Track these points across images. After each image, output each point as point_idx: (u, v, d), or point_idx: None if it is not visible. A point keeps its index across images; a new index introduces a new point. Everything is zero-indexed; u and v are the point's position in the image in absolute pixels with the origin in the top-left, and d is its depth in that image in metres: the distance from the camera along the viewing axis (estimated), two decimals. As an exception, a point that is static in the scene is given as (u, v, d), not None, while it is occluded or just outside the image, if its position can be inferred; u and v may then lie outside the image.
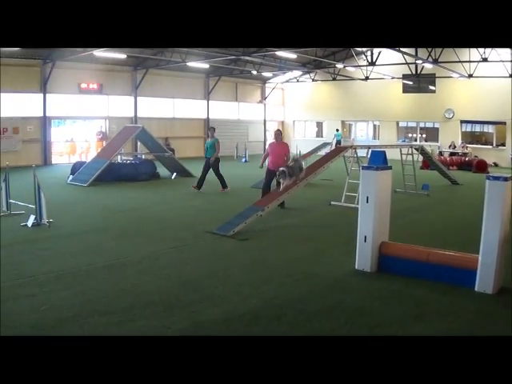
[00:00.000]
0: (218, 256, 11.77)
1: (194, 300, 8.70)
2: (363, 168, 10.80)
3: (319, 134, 54.37)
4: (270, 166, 18.13)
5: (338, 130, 49.06)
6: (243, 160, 41.48)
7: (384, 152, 10.52)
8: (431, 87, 45.58)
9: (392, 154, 18.91)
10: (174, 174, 28.32)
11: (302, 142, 47.60)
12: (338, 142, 45.17)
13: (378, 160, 10.38)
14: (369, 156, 17.98)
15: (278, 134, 19.06)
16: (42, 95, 37.01)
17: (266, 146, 19.53)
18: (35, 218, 14.73)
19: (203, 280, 9.87)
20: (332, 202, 19.06)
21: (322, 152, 29.20)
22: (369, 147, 20.34)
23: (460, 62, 37.17)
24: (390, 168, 10.94)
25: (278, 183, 16.54)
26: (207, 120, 47.95)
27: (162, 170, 28.84)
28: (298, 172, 15.70)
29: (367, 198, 10.37)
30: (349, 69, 44.12)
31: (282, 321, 7.86)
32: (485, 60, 35.18)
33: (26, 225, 14.66)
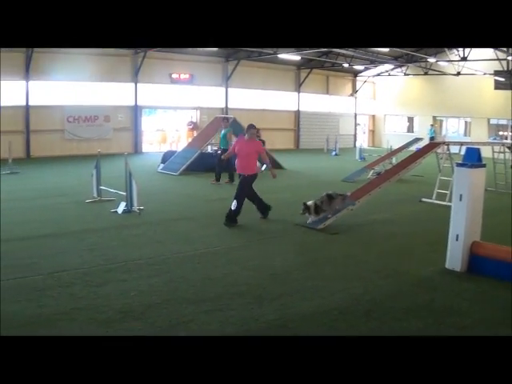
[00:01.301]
0: (308, 249, 11.69)
1: (283, 293, 8.64)
2: (457, 165, 10.54)
3: (410, 128, 53.64)
4: (237, 170, 14.85)
5: (432, 126, 48.15)
6: (333, 153, 41.18)
7: (478, 149, 10.27)
8: (523, 84, 44.40)
9: (482, 152, 18.39)
10: (264, 165, 28.22)
11: (392, 136, 47.17)
12: (431, 139, 44.51)
13: (473, 157, 10.12)
14: (462, 153, 17.55)
15: (251, 131, 15.06)
16: (133, 84, 37.60)
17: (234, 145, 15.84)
18: (126, 205, 14.98)
19: (292, 273, 9.81)
20: (423, 199, 18.75)
21: (413, 147, 28.85)
22: (461, 144, 19.97)
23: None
24: (484, 166, 10.65)
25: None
26: (298, 112, 47.96)
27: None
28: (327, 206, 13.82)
29: (460, 195, 10.13)
30: (440, 63, 43.45)
31: (370, 318, 7.73)
32: None
33: (116, 211, 14.96)
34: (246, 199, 14.23)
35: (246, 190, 14.22)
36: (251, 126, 15.08)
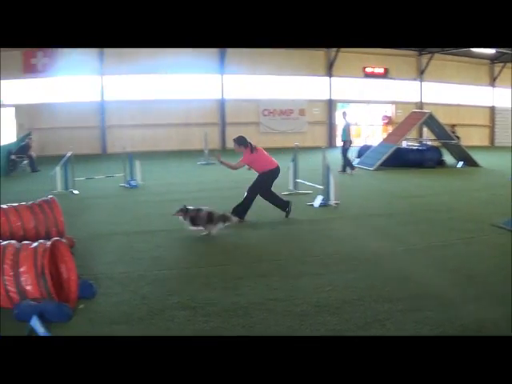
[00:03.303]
0: (506, 251, 10.98)
1: (480, 296, 8.24)
2: None
3: None
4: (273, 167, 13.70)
5: None
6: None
7: None
8: None
9: None
10: (460, 162, 27.63)
11: None
12: None
13: None
14: None
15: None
16: (327, 78, 37.85)
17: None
18: (322, 199, 15.05)
19: (489, 275, 9.33)
20: None
21: None
22: None
23: None
24: None
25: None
26: (493, 108, 46.41)
27: (447, 158, 28.30)
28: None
29: None
30: None
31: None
32: None
33: (313, 205, 15.09)
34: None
35: (258, 188, 13.64)
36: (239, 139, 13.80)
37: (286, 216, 13.59)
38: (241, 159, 13.69)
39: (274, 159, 13.74)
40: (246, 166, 13.82)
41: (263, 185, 13.55)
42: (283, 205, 13.69)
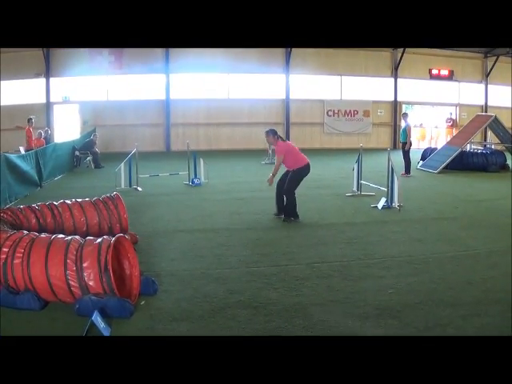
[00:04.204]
0: None
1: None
2: None
3: None
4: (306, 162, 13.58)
5: None
6: None
7: None
8: None
9: None
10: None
11: None
12: None
13: None
14: None
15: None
16: (392, 80, 37.64)
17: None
18: (386, 201, 14.94)
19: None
20: None
21: None
22: None
23: None
24: None
25: None
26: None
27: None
28: None
29: None
30: None
31: None
32: None
33: (376, 207, 14.97)
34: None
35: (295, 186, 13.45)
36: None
37: (284, 220, 13.38)
38: (276, 154, 13.67)
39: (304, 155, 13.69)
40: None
41: (298, 181, 13.49)
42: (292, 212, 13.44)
